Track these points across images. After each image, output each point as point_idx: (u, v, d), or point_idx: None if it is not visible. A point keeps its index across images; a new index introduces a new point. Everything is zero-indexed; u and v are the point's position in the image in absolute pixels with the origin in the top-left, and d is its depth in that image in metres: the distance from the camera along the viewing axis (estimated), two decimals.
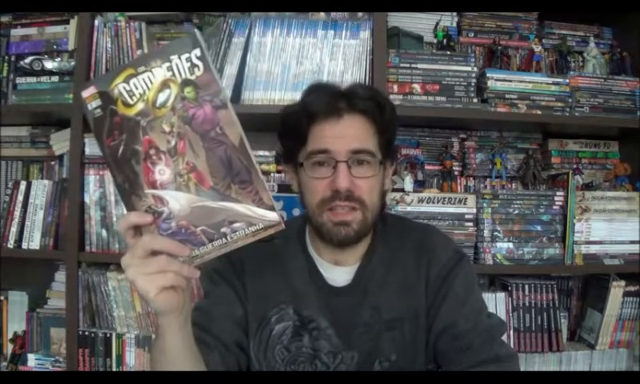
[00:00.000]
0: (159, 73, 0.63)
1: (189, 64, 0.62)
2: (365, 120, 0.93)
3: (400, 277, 0.97)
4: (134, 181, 0.66)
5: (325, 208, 0.90)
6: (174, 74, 0.63)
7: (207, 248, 0.68)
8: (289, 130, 0.96)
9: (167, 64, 0.62)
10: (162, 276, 0.66)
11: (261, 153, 1.64)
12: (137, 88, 0.63)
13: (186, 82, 0.63)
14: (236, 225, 0.67)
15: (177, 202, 0.66)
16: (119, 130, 0.64)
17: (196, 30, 0.62)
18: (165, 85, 0.63)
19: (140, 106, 0.64)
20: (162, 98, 0.63)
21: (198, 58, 0.62)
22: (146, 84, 0.63)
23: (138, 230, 0.67)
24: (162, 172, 0.65)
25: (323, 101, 0.92)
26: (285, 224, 0.68)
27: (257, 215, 0.67)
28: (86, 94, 0.64)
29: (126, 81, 0.63)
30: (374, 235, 0.99)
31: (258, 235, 0.68)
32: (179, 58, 0.62)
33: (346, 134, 0.91)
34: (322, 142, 0.91)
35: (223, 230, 0.67)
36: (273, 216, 0.67)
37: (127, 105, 0.64)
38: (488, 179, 1.73)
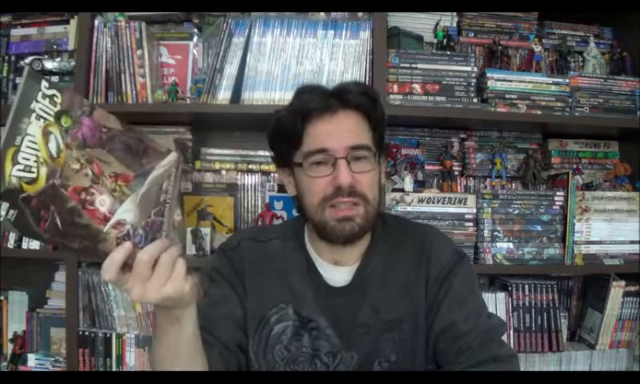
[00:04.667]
0: (34, 128, 0.61)
1: (47, 99, 0.61)
2: (359, 116, 0.93)
3: (400, 277, 0.97)
4: (89, 233, 0.64)
5: (326, 205, 0.90)
6: (45, 119, 0.61)
7: (165, 223, 0.70)
8: (282, 132, 0.95)
9: (33, 114, 0.60)
10: (180, 268, 0.67)
11: (261, 153, 1.64)
12: (28, 159, 0.61)
13: (57, 116, 0.62)
14: (164, 186, 0.70)
15: (129, 212, 0.66)
16: (45, 208, 0.62)
17: (25, 67, 0.61)
18: (46, 133, 0.61)
19: (43, 171, 0.61)
20: (52, 147, 0.62)
21: (47, 88, 0.61)
22: (32, 148, 0.61)
23: (123, 266, 0.66)
24: (103, 202, 0.65)
25: (316, 99, 0.92)
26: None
27: (167, 164, 0.70)
28: None
29: (14, 162, 0.60)
30: (373, 235, 0.99)
31: (177, 179, 0.71)
32: (36, 100, 0.61)
33: (341, 130, 0.91)
34: (318, 141, 0.90)
35: (162, 198, 0.70)
36: (173, 156, 0.70)
37: (33, 181, 0.61)
38: (488, 179, 1.73)
